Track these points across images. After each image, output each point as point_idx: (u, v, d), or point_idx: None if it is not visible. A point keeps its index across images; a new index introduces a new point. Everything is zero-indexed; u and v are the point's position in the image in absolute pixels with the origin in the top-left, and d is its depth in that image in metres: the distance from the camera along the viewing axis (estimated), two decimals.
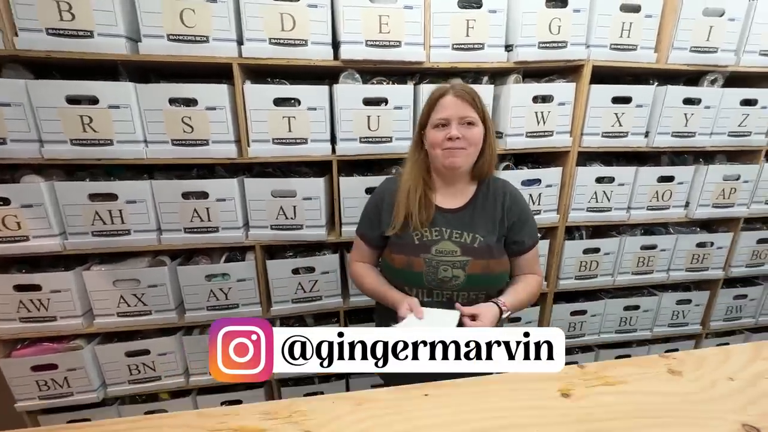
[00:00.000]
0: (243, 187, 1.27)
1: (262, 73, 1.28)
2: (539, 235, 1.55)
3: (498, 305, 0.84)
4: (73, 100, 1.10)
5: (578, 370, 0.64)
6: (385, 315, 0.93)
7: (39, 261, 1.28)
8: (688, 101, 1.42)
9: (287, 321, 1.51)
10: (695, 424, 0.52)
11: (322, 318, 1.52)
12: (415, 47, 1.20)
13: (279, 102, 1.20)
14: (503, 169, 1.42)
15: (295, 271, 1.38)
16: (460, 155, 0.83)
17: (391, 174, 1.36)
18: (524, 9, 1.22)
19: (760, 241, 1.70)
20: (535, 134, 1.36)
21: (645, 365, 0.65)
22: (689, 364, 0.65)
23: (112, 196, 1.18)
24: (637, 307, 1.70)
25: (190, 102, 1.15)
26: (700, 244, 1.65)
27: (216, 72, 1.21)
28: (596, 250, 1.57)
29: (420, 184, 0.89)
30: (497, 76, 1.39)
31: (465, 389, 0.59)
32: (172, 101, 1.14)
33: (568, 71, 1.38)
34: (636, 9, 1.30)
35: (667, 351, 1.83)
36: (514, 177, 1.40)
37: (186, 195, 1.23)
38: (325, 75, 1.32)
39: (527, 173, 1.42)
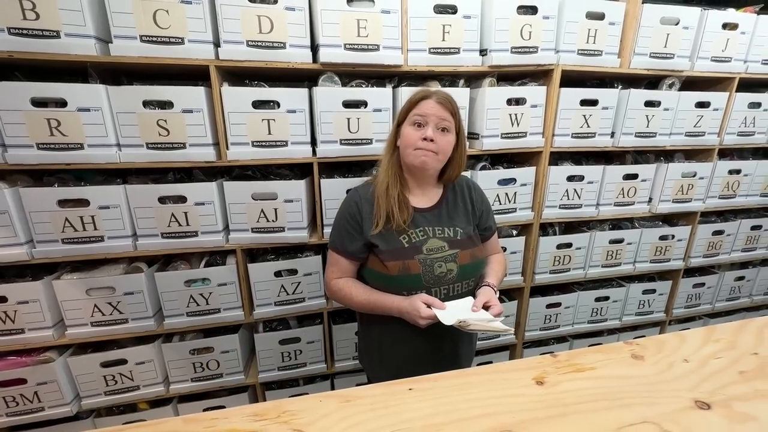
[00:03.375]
0: (222, 191, 1.26)
1: (239, 75, 1.27)
2: (515, 232, 1.62)
3: (491, 287, 0.91)
4: (39, 103, 1.05)
5: (551, 359, 0.68)
6: (378, 326, 0.95)
7: (4, 271, 1.22)
8: (649, 104, 1.51)
9: (270, 324, 1.51)
10: (654, 403, 0.57)
11: (306, 319, 1.53)
12: (393, 51, 1.23)
13: (258, 104, 1.20)
14: (480, 170, 1.47)
15: (278, 274, 1.38)
16: (431, 157, 0.86)
17: (371, 175, 1.38)
18: (497, 15, 1.27)
19: (715, 233, 1.84)
20: (509, 135, 1.42)
21: (611, 352, 0.70)
22: (650, 348, 0.70)
23: (83, 202, 1.14)
24: (607, 298, 1.80)
25: (166, 105, 1.13)
26: (663, 237, 1.76)
27: (192, 74, 1.19)
28: (569, 245, 1.65)
29: (396, 182, 0.90)
30: (472, 79, 1.43)
31: (446, 382, 0.62)
32: (147, 104, 1.12)
33: (539, 75, 1.45)
34: (600, 17, 1.37)
35: (635, 338, 1.96)
36: (490, 177, 1.45)
37: (163, 199, 1.21)
38: (303, 78, 1.32)
39: (503, 173, 1.48)
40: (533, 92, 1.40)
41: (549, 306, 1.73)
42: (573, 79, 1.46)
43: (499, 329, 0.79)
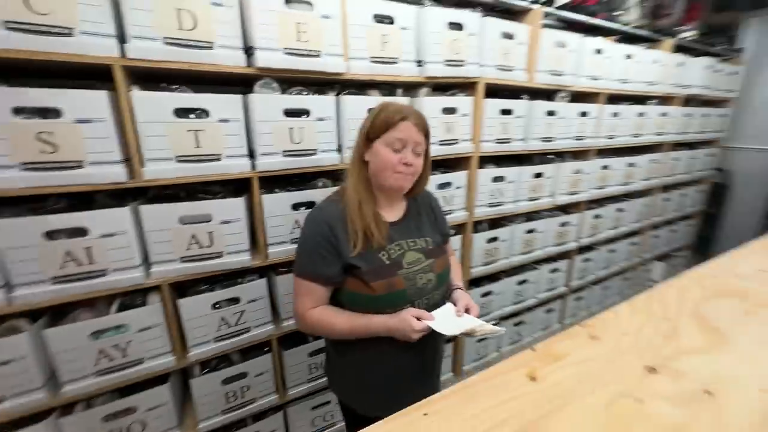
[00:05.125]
0: (138, 217, 1.04)
1: (156, 78, 1.06)
2: (452, 231, 1.73)
3: (462, 290, 0.98)
4: None
5: (532, 353, 0.75)
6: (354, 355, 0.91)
7: None
8: (550, 113, 1.78)
9: (208, 364, 1.31)
10: (620, 377, 0.67)
11: (252, 350, 1.37)
12: (336, 58, 1.18)
13: (182, 113, 1.02)
14: None
15: (216, 306, 1.20)
16: (408, 180, 0.87)
17: (318, 186, 1.31)
18: (431, 29, 1.32)
19: (595, 216, 2.27)
20: (445, 142, 1.50)
21: (574, 336, 0.80)
22: (599, 327, 0.83)
23: None
24: (526, 281, 2.07)
25: (50, 112, 0.87)
26: (562, 224, 2.10)
27: (89, 74, 0.94)
28: (495, 239, 1.84)
29: (370, 198, 0.88)
30: (409, 88, 1.47)
31: (455, 398, 0.63)
32: (20, 111, 0.84)
33: (466, 86, 1.57)
34: (511, 36, 1.55)
35: (546, 312, 2.30)
36: (432, 181, 1.51)
37: (52, 234, 0.93)
38: (233, 83, 1.17)
39: (441, 177, 1.56)
40: (463, 102, 1.50)
41: (483, 295, 1.90)
42: (489, 90, 1.62)
43: (494, 330, 0.84)
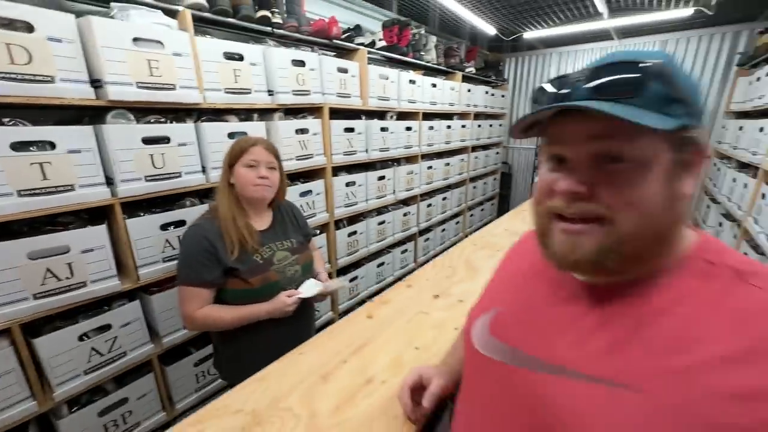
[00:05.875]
0: None
1: None
2: (318, 231, 2.04)
3: (323, 272, 1.28)
4: None
5: (371, 303, 1.13)
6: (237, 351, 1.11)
7: None
8: (383, 129, 2.27)
9: (79, 399, 1.26)
10: (419, 303, 1.11)
11: (130, 374, 1.36)
12: (191, 90, 1.31)
13: (19, 147, 0.99)
14: None
15: (84, 337, 1.19)
16: (268, 190, 1.11)
17: (186, 206, 1.41)
18: (277, 65, 1.58)
19: (428, 206, 2.95)
20: (301, 157, 1.79)
21: (397, 288, 1.22)
22: (413, 280, 1.28)
23: None
24: (383, 263, 2.56)
25: None
26: (405, 214, 2.67)
27: None
28: (355, 233, 2.24)
29: (241, 212, 1.08)
30: (265, 113, 1.69)
31: (320, 339, 0.94)
32: None
33: (314, 110, 1.89)
34: (346, 71, 1.95)
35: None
36: (294, 191, 1.78)
37: None
38: (79, 114, 1.17)
39: (302, 187, 1.84)
40: (313, 124, 1.82)
41: (351, 280, 2.29)
42: (334, 112, 1.99)
43: (338, 285, 1.20)
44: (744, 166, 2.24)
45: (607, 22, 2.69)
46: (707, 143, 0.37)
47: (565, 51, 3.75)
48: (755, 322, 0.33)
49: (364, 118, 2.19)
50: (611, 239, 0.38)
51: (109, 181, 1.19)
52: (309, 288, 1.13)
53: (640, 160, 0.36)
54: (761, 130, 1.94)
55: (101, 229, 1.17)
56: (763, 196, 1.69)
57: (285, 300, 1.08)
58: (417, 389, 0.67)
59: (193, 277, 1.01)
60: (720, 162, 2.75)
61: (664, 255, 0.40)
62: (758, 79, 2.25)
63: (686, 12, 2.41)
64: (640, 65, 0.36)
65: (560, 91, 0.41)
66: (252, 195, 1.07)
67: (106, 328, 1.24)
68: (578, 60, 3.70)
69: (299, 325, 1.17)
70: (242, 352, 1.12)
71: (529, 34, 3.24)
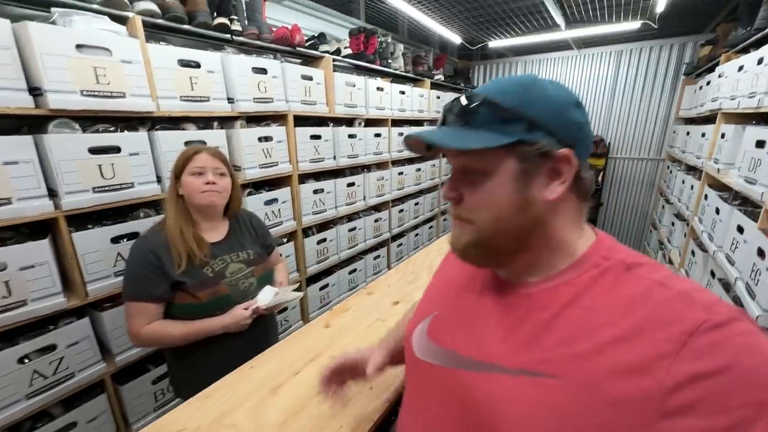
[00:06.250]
0: None
1: None
2: (285, 239, 2.01)
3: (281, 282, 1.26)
4: None
5: (330, 312, 1.12)
6: (192, 367, 1.07)
7: None
8: (351, 136, 2.28)
9: (21, 426, 1.18)
10: (378, 310, 1.11)
11: (79, 396, 1.29)
12: (143, 98, 1.27)
13: None
14: (247, 195, 1.74)
15: (24, 359, 1.11)
16: (216, 196, 1.07)
17: (140, 217, 1.36)
18: (236, 73, 1.56)
19: (400, 211, 2.98)
20: (265, 165, 1.76)
21: (358, 296, 1.22)
22: (374, 287, 1.28)
23: None
24: (356, 270, 2.55)
25: None
26: (376, 220, 2.68)
27: None
28: (324, 240, 2.23)
29: (189, 224, 1.05)
30: (225, 120, 1.66)
31: (274, 352, 0.93)
32: None
33: (279, 117, 1.87)
34: (310, 78, 1.95)
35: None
36: (258, 200, 1.76)
37: None
38: (19, 123, 1.11)
39: (266, 195, 1.82)
40: (277, 131, 1.80)
41: (321, 288, 2.27)
42: (300, 119, 1.98)
43: (294, 296, 1.17)
44: (691, 169, 2.39)
45: (565, 33, 2.82)
46: (568, 151, 0.42)
47: (530, 59, 3.90)
48: (640, 306, 0.38)
49: (331, 125, 2.19)
50: (474, 236, 0.46)
51: (53, 194, 1.13)
52: (266, 296, 1.11)
53: (485, 170, 0.43)
54: (703, 135, 2.08)
55: (43, 244, 1.11)
56: (706, 197, 1.80)
57: (242, 313, 1.05)
58: (350, 369, 0.67)
59: (139, 291, 0.97)
60: (672, 165, 2.92)
61: (534, 249, 0.46)
62: (701, 87, 2.42)
63: (634, 25, 2.56)
64: (472, 98, 0.44)
65: (444, 116, 0.48)
66: (200, 202, 1.05)
67: (51, 348, 1.17)
68: (543, 67, 3.85)
69: (257, 337, 1.14)
70: (196, 369, 1.08)
71: (494, 44, 3.35)
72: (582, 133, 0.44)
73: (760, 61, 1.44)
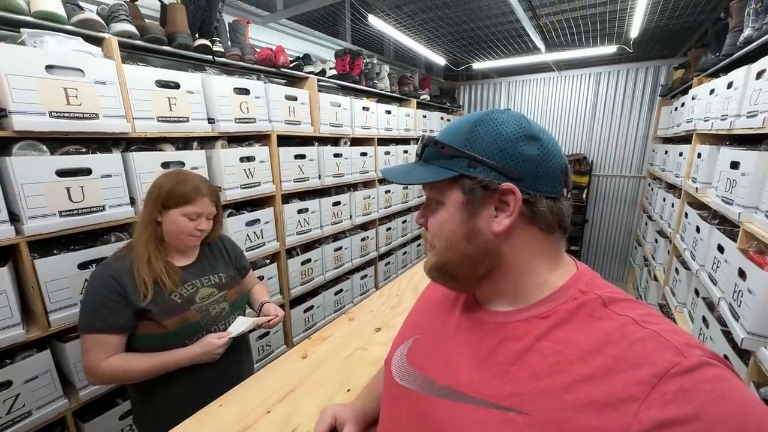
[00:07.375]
0: None
1: None
2: (268, 261, 1.96)
3: (268, 302, 1.21)
4: None
5: (308, 341, 1.07)
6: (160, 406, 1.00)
7: None
8: (336, 155, 2.27)
9: None
10: (359, 338, 1.07)
11: None
12: (117, 119, 1.24)
13: None
14: (228, 216, 1.70)
15: None
16: (200, 240, 1.05)
17: (111, 241, 1.30)
18: (218, 93, 1.54)
19: (387, 229, 2.95)
20: (247, 186, 1.73)
21: (338, 323, 1.17)
22: (356, 312, 1.23)
23: None
24: (342, 290, 2.49)
25: None
26: (363, 239, 2.65)
27: None
28: (309, 260, 2.17)
29: (160, 252, 1.00)
30: (205, 140, 1.63)
31: (244, 387, 0.87)
32: None
33: (262, 137, 1.85)
34: (294, 98, 1.95)
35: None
36: (239, 221, 1.71)
37: None
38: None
39: (248, 216, 1.77)
40: (259, 151, 1.78)
41: (306, 310, 2.20)
42: (284, 138, 1.96)
43: (265, 320, 1.12)
44: (671, 187, 2.43)
45: (546, 56, 2.91)
46: (509, 185, 0.43)
47: (513, 80, 4.00)
48: (613, 344, 0.38)
49: (316, 144, 2.18)
50: (435, 260, 0.49)
51: (14, 218, 1.07)
52: (239, 326, 1.06)
53: (439, 200, 0.48)
54: (681, 154, 2.13)
55: (3, 272, 1.04)
56: (686, 215, 1.83)
57: (214, 341, 0.99)
58: None
59: (99, 323, 0.90)
60: (653, 182, 2.98)
61: (495, 278, 0.47)
62: (676, 108, 2.50)
63: (610, 49, 2.65)
64: (425, 140, 0.49)
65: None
66: (186, 244, 1.02)
67: (6, 385, 1.08)
68: (525, 88, 3.95)
69: (228, 365, 1.07)
70: (162, 403, 1.00)
71: (478, 65, 3.43)
72: (530, 166, 0.44)
73: (729, 85, 1.49)
